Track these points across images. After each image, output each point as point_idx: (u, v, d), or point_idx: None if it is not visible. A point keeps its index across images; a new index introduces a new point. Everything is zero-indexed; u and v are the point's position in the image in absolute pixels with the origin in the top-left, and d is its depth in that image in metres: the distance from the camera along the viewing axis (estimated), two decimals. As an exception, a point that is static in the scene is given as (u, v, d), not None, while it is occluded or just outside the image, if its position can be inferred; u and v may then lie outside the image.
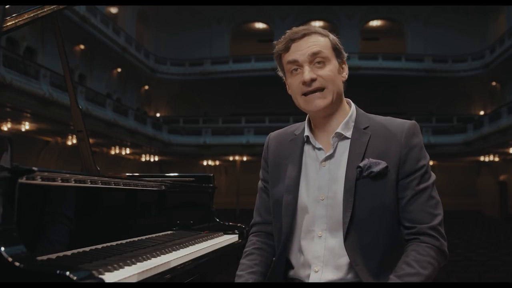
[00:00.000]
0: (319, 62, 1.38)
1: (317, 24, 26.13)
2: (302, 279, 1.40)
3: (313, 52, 1.38)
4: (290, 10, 26.42)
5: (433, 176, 1.38)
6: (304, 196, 1.41)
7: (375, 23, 28.12)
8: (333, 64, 1.40)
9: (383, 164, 1.34)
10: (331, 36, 1.43)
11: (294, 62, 1.40)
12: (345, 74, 1.45)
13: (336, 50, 1.42)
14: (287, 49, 1.42)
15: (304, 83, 1.37)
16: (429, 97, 26.35)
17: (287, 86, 1.49)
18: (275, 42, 1.47)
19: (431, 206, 1.34)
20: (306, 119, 1.50)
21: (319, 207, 1.38)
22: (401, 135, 1.37)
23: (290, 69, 1.42)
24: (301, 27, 1.43)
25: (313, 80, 1.37)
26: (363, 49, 26.74)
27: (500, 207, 23.58)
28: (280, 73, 1.50)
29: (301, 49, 1.39)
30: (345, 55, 1.45)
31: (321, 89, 1.38)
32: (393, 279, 1.27)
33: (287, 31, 1.44)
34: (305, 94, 1.39)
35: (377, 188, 1.34)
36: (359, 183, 1.34)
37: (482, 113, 24.89)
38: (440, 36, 26.15)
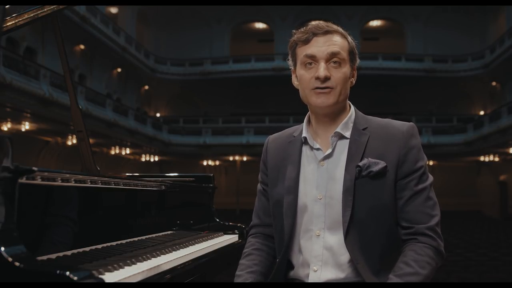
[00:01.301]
0: (335, 62, 1.38)
1: (317, 24, 26.09)
2: (302, 279, 1.40)
3: (332, 52, 1.38)
4: (290, 10, 26.42)
5: (431, 178, 1.40)
6: (303, 196, 1.42)
7: (375, 23, 28.13)
8: (347, 67, 1.41)
9: (382, 164, 1.35)
10: (350, 38, 1.44)
11: (312, 56, 1.39)
12: (354, 79, 1.46)
13: (351, 54, 1.43)
14: (307, 41, 1.40)
15: (318, 78, 1.37)
16: (429, 97, 26.35)
17: (293, 76, 1.48)
18: (294, 31, 1.46)
19: (428, 207, 1.35)
20: (305, 120, 1.50)
21: (317, 206, 1.39)
22: (399, 136, 1.39)
23: (304, 61, 1.41)
24: (323, 23, 1.42)
25: (327, 79, 1.37)
26: (363, 49, 26.69)
27: (500, 207, 23.58)
28: (290, 62, 1.49)
29: (321, 46, 1.39)
30: (358, 61, 1.46)
31: (331, 89, 1.38)
32: (392, 278, 1.27)
33: (309, 23, 1.43)
34: (315, 90, 1.39)
35: (376, 187, 1.35)
36: (358, 182, 1.35)
37: (482, 113, 24.90)
38: (440, 36, 26.15)
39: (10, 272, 1.04)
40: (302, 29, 1.43)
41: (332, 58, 1.38)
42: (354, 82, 1.46)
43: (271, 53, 25.99)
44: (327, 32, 1.40)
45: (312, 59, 1.39)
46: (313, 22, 1.43)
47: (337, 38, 1.40)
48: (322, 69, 1.37)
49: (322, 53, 1.38)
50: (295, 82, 1.48)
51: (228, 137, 23.13)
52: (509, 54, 20.72)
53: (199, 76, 26.07)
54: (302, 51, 1.41)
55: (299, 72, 1.44)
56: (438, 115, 25.44)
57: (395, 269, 1.29)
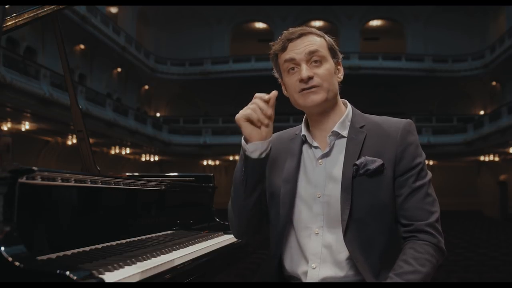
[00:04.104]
0: (315, 61, 1.40)
1: (317, 24, 26.13)
2: (299, 275, 1.40)
3: (310, 51, 1.39)
4: (290, 10, 26.42)
5: (429, 174, 1.40)
6: (303, 192, 1.42)
7: (375, 23, 28.13)
8: (330, 63, 1.42)
9: (379, 162, 1.35)
10: (327, 37, 1.46)
11: (291, 60, 1.41)
12: (341, 75, 1.47)
13: (332, 50, 1.44)
14: (284, 48, 1.43)
15: (302, 80, 1.38)
16: (429, 97, 26.35)
17: (283, 87, 1.50)
18: (271, 43, 1.48)
19: (427, 204, 1.35)
20: (303, 121, 1.51)
21: (315, 204, 1.39)
22: (396, 133, 1.39)
23: (287, 68, 1.43)
24: (297, 28, 1.45)
25: (310, 78, 1.38)
26: (363, 49, 26.74)
27: (500, 207, 23.57)
28: (276, 74, 1.51)
29: (298, 48, 1.40)
30: (341, 56, 1.47)
31: (317, 87, 1.39)
32: (392, 277, 1.27)
33: (284, 31, 1.46)
34: (301, 92, 1.40)
35: (373, 185, 1.35)
36: (355, 181, 1.35)
37: (482, 113, 24.90)
38: (440, 36, 26.14)
39: (10, 272, 1.04)
40: (277, 40, 1.46)
41: (311, 57, 1.39)
42: (341, 77, 1.47)
43: (270, 53, 25.97)
44: (301, 35, 1.42)
45: (293, 63, 1.41)
46: (287, 30, 1.45)
47: (312, 38, 1.42)
48: (304, 70, 1.38)
49: (301, 54, 1.39)
50: (285, 92, 1.49)
51: (228, 137, 23.10)
52: (509, 54, 20.72)
53: (199, 76, 26.07)
54: (282, 59, 1.44)
55: (285, 80, 1.46)
56: (438, 115, 25.43)
57: (395, 268, 1.29)
